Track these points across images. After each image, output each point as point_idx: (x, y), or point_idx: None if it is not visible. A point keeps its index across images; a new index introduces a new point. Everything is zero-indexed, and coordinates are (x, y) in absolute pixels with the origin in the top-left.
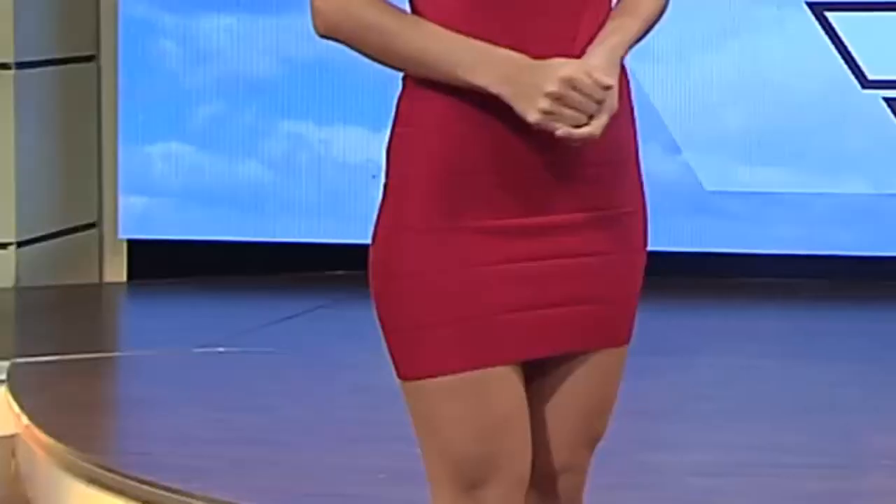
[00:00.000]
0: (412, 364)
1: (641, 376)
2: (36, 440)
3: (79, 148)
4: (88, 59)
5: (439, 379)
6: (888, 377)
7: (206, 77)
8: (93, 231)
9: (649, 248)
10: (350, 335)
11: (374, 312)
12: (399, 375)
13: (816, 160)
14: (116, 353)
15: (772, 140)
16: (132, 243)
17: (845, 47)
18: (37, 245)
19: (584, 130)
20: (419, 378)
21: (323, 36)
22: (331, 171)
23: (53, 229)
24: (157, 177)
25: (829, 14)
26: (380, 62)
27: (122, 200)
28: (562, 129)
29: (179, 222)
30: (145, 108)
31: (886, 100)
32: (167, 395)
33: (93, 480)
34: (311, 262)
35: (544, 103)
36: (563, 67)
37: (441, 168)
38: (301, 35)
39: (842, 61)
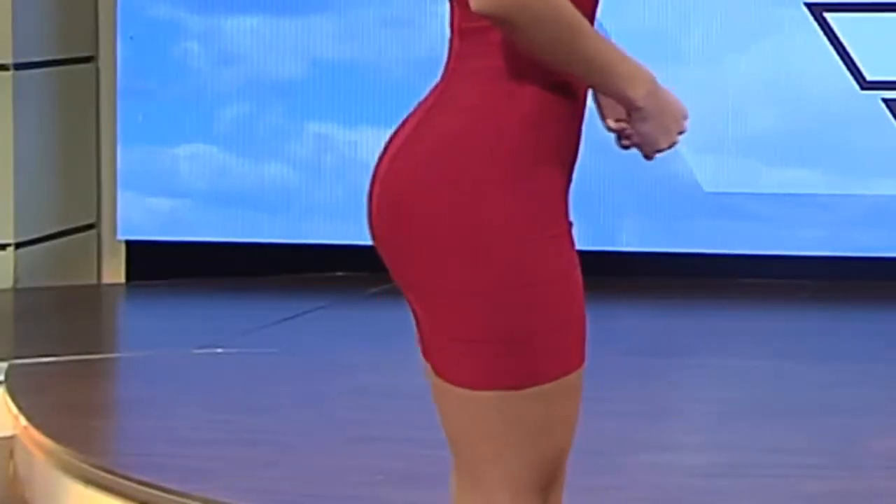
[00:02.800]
0: (553, 366)
1: (641, 377)
2: (34, 441)
3: (77, 149)
4: (87, 59)
5: (572, 375)
6: (888, 378)
7: (231, 78)
8: (91, 232)
9: (650, 249)
10: (349, 336)
11: (476, 324)
12: (513, 385)
13: (817, 161)
14: (115, 354)
15: (770, 141)
16: (130, 244)
17: (844, 48)
18: (35, 246)
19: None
20: (557, 378)
21: (490, 13)
22: (355, 173)
23: (52, 230)
24: (159, 178)
25: (827, 15)
26: (549, 56)
27: (121, 199)
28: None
29: (177, 223)
30: (170, 109)
31: (885, 101)
32: (166, 396)
33: (91, 482)
34: (309, 264)
35: (678, 138)
36: (683, 105)
37: (557, 165)
38: (328, 36)
39: (840, 62)
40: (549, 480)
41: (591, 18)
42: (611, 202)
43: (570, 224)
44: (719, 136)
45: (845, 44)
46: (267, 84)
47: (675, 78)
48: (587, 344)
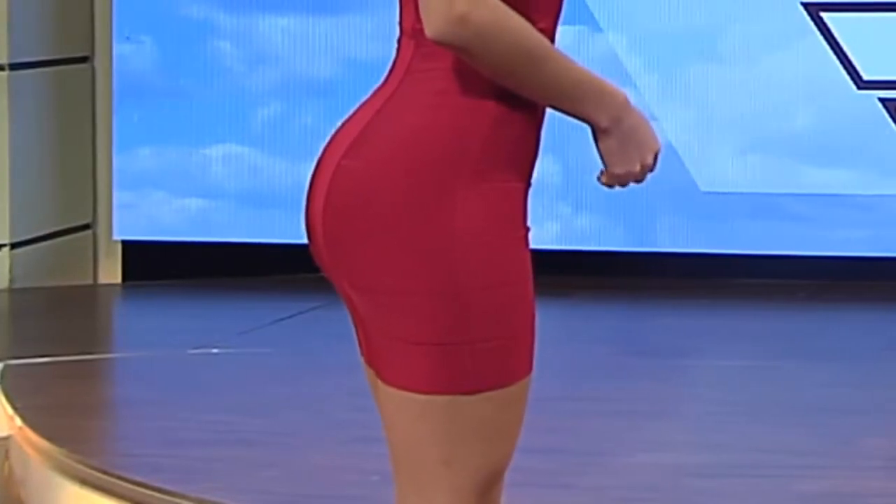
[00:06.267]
0: (509, 371)
1: (638, 377)
2: (29, 442)
3: (73, 149)
4: (83, 59)
5: (524, 380)
6: (886, 378)
7: (264, 79)
8: (87, 232)
9: (648, 248)
10: (345, 337)
11: (435, 326)
12: (467, 389)
13: (813, 161)
14: (111, 355)
15: (768, 141)
16: (126, 244)
17: (840, 48)
18: (31, 246)
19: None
20: (511, 384)
21: (447, 42)
22: None
23: (48, 230)
24: (189, 178)
25: (824, 14)
26: (505, 80)
27: (116, 200)
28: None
29: (207, 224)
30: (203, 110)
31: (882, 100)
32: (161, 396)
33: (86, 482)
34: (305, 264)
35: (636, 169)
36: (657, 142)
37: (520, 166)
38: (361, 35)
39: (837, 62)
40: (491, 485)
41: (553, 31)
42: (608, 202)
43: (528, 229)
44: (715, 135)
45: (842, 44)
46: (301, 84)
47: (671, 80)
48: (585, 344)
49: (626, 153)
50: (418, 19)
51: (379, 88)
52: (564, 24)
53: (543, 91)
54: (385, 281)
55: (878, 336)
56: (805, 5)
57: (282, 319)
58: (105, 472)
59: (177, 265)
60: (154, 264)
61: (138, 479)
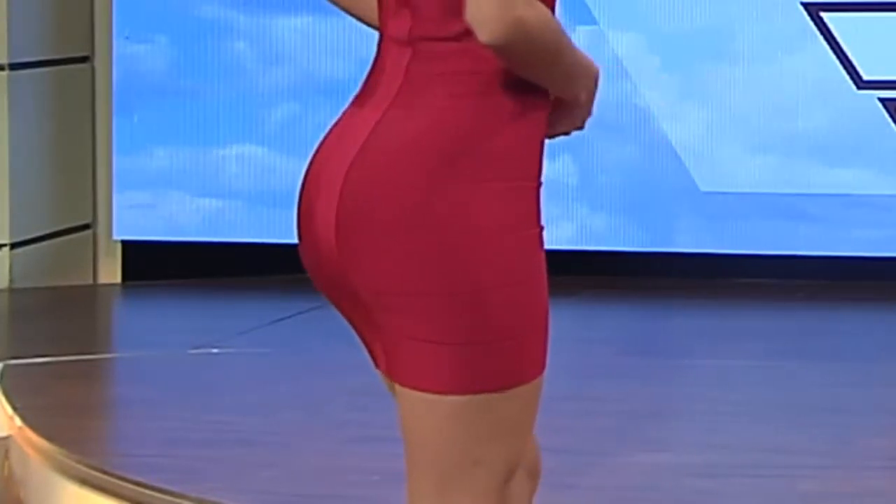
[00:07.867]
0: (528, 368)
1: (639, 377)
2: (29, 442)
3: (73, 149)
4: (83, 59)
5: (537, 380)
6: (886, 378)
7: (278, 79)
8: (87, 232)
9: (647, 248)
10: (344, 337)
11: (458, 326)
12: (492, 388)
13: (815, 161)
14: (110, 355)
15: (769, 141)
16: (126, 244)
17: (840, 48)
18: (31, 246)
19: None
20: (530, 381)
21: (503, 45)
22: None
23: (47, 230)
24: (203, 178)
25: (824, 14)
26: (532, 74)
27: (116, 199)
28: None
29: (220, 224)
30: (218, 110)
31: (882, 100)
32: (161, 396)
33: (86, 482)
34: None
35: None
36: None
37: (531, 165)
38: (375, 36)
39: (837, 62)
40: (509, 481)
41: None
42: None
43: (542, 227)
44: (714, 134)
45: (842, 44)
46: (314, 84)
47: (670, 79)
48: (586, 344)
49: (575, 120)
50: (416, 26)
51: (368, 97)
52: (573, 24)
53: (554, 79)
54: (403, 283)
55: (878, 336)
56: (805, 5)
57: (282, 319)
58: (105, 472)
59: (176, 265)
60: (154, 264)
61: (138, 479)
